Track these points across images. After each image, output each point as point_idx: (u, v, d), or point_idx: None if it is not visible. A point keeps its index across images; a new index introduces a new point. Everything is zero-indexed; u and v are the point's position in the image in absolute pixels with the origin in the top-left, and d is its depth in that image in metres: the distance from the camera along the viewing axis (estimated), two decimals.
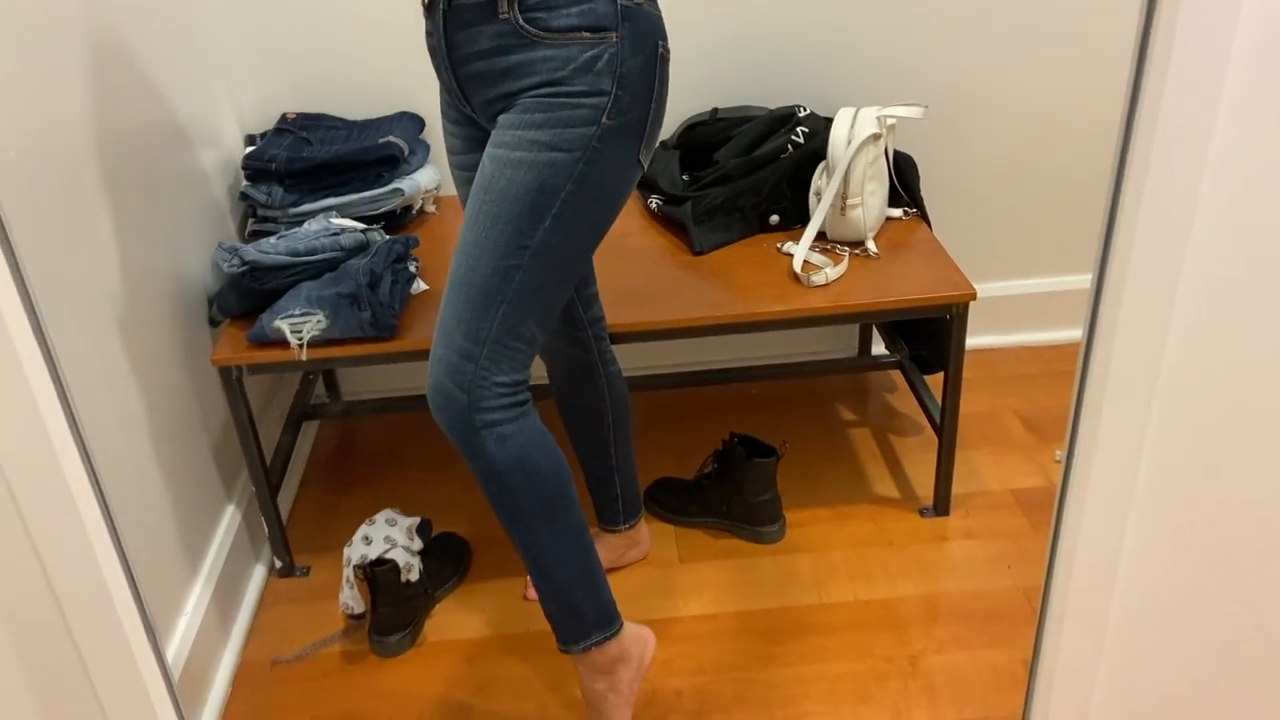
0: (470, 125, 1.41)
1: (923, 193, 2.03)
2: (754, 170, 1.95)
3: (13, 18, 1.32)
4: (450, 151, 1.47)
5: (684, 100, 2.07)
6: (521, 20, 1.22)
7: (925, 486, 2.00)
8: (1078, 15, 2.07)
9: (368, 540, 1.70)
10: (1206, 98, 0.76)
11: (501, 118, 1.28)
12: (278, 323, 1.67)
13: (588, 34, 1.22)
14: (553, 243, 1.25)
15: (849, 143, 1.85)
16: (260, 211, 1.95)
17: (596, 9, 1.23)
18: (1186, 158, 0.79)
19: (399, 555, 1.69)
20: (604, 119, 1.24)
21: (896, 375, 2.31)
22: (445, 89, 1.39)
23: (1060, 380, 2.30)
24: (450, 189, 2.09)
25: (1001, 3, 2.05)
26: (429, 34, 1.33)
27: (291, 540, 1.93)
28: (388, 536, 1.70)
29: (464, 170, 1.46)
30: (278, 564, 1.91)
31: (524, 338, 1.27)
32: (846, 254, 1.87)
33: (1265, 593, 1.00)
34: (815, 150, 1.93)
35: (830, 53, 2.07)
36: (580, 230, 1.28)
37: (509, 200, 1.23)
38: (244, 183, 1.96)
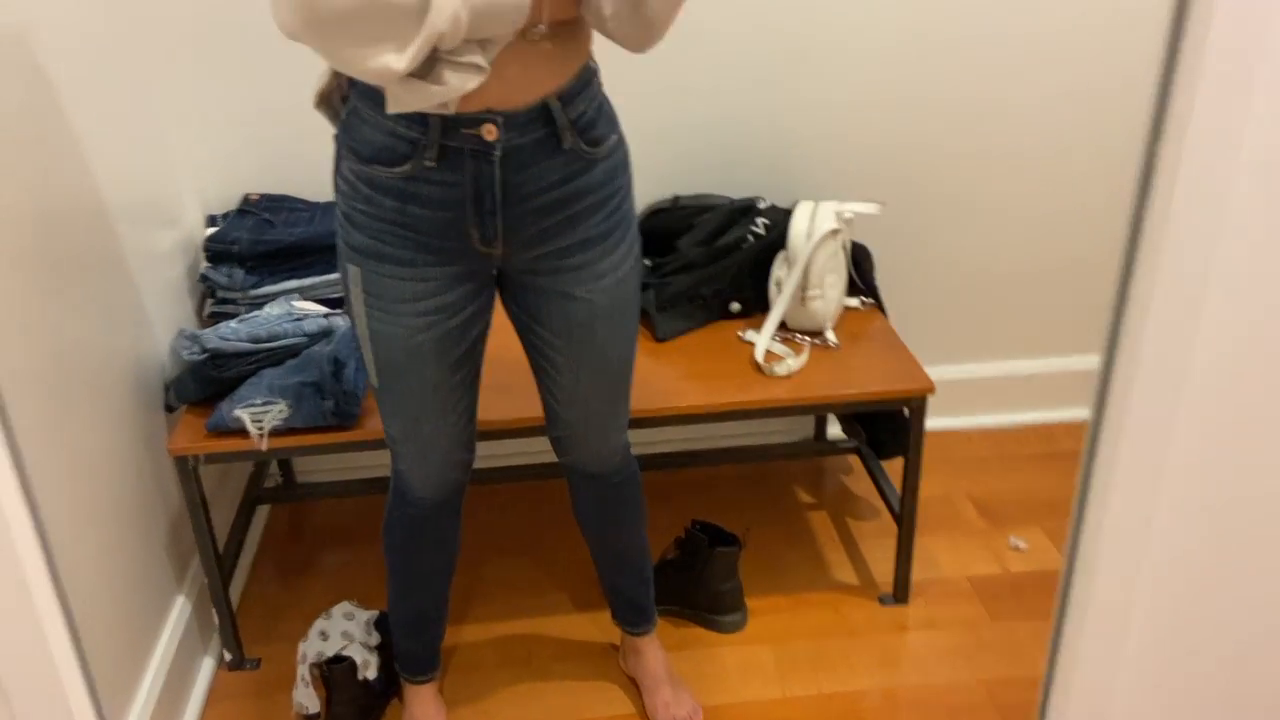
0: (466, 262, 1.31)
1: (878, 282, 2.07)
2: (716, 259, 1.98)
3: None
4: (415, 298, 1.30)
5: (646, 187, 2.08)
6: (582, 145, 1.26)
7: (883, 572, 2.01)
8: (1023, 110, 2.15)
9: (324, 636, 1.67)
10: (1227, 154, 0.75)
11: (572, 243, 1.31)
12: (238, 412, 1.64)
13: (615, 136, 1.31)
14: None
15: (809, 237, 1.89)
16: (220, 293, 1.93)
17: (610, 111, 1.31)
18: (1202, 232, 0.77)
19: (356, 652, 1.65)
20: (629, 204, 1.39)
21: (853, 457, 2.34)
22: (453, 234, 1.27)
23: (1012, 464, 2.34)
24: None
25: (951, 100, 2.12)
26: (451, 184, 1.23)
27: (242, 630, 1.87)
28: (345, 632, 1.67)
29: (427, 315, 1.31)
30: (227, 657, 1.85)
31: None
32: (807, 344, 1.90)
33: None
34: (775, 241, 1.97)
35: (789, 146, 2.12)
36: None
37: (635, 305, 1.43)
38: (204, 264, 1.94)
